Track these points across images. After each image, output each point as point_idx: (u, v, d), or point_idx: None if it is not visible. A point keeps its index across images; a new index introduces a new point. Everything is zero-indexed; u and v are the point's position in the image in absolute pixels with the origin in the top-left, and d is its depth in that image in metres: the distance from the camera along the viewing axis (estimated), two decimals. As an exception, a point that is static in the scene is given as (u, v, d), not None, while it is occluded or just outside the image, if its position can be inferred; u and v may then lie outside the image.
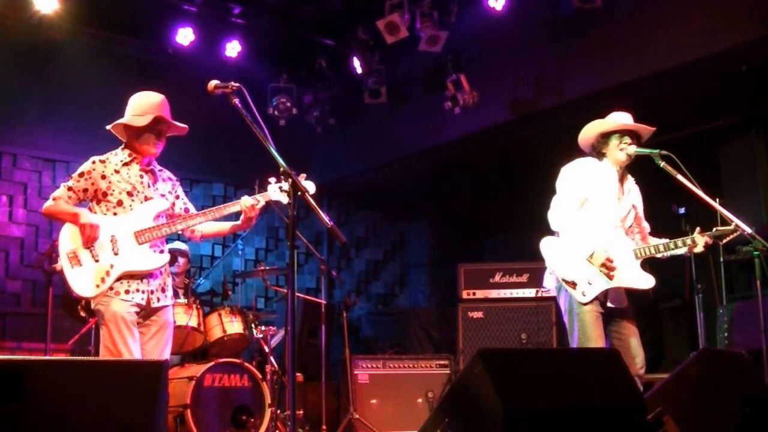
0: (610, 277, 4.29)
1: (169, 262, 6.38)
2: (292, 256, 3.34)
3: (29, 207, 7.61)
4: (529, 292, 7.26)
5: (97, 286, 3.98)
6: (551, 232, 4.52)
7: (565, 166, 4.54)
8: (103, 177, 4.13)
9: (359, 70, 7.70)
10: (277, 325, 6.56)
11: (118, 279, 4.03)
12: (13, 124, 7.43)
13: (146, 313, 4.15)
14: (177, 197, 4.40)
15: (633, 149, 4.44)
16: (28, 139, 7.59)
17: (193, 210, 4.42)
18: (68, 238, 4.04)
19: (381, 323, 9.22)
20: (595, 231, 4.39)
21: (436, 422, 3.02)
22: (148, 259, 4.14)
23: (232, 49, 7.53)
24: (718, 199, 4.34)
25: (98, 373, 2.91)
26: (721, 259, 6.38)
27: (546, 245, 4.48)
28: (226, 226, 4.48)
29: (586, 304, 4.29)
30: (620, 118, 4.49)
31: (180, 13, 7.19)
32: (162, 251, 4.23)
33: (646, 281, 4.39)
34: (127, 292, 4.05)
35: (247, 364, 5.76)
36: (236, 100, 3.64)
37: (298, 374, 5.67)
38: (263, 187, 4.29)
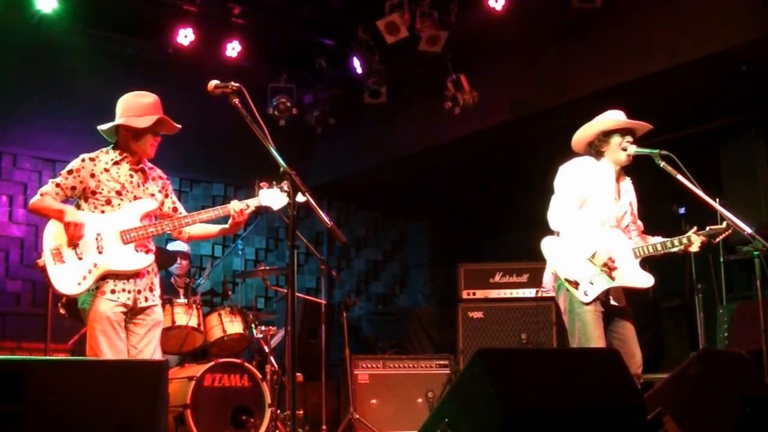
0: (612, 277, 4.30)
1: (169, 263, 6.46)
2: (292, 256, 3.34)
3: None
4: (529, 292, 7.26)
5: (79, 284, 3.95)
6: (551, 232, 4.51)
7: (563, 166, 4.53)
8: (92, 175, 4.11)
9: (359, 70, 7.70)
10: (277, 325, 6.56)
11: (102, 278, 4.00)
12: (13, 124, 7.43)
13: (134, 312, 4.12)
14: (166, 196, 4.37)
15: (633, 149, 4.44)
16: (28, 139, 7.58)
17: (181, 209, 4.40)
18: (52, 235, 4.01)
19: (381, 323, 9.22)
20: (596, 230, 4.39)
21: (436, 422, 3.02)
22: (132, 259, 4.09)
23: (232, 49, 7.53)
24: (718, 199, 4.34)
25: (98, 373, 2.91)
26: (721, 259, 6.39)
27: (547, 245, 4.48)
28: (214, 228, 4.44)
29: (587, 303, 4.29)
30: (619, 116, 4.49)
31: (180, 13, 7.19)
32: (148, 251, 4.18)
33: (646, 280, 4.40)
34: (113, 291, 4.02)
35: (247, 364, 5.76)
36: (236, 100, 3.64)
37: (298, 374, 5.68)
38: (258, 190, 4.26)
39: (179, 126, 4.31)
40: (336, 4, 7.46)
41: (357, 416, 6.65)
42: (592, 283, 4.30)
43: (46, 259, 3.96)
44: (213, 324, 6.02)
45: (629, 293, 4.47)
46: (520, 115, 7.39)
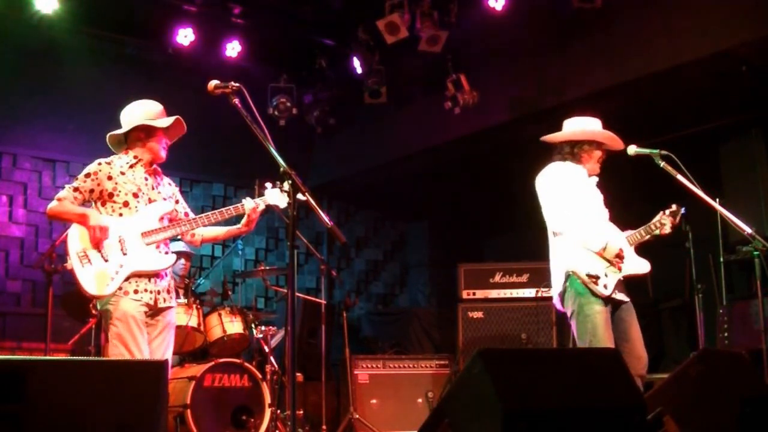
0: (619, 268, 4.33)
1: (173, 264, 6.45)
2: (292, 256, 3.34)
3: (29, 207, 7.61)
4: (529, 292, 7.26)
5: (107, 285, 4.03)
6: (558, 231, 4.50)
7: (543, 174, 4.53)
8: (110, 178, 4.18)
9: (359, 70, 7.70)
10: (277, 325, 6.56)
11: (127, 278, 4.08)
12: (13, 124, 7.42)
13: (153, 313, 4.19)
14: (177, 201, 4.45)
15: (633, 149, 4.45)
16: (28, 139, 7.58)
17: (192, 215, 4.45)
18: (77, 238, 4.07)
19: (381, 323, 9.21)
20: (597, 224, 4.41)
21: (436, 422, 3.02)
22: (155, 259, 4.19)
23: (232, 49, 7.53)
24: (718, 199, 4.34)
25: (98, 373, 2.91)
26: (721, 259, 6.38)
27: (557, 246, 4.46)
28: (223, 230, 4.52)
29: (604, 297, 4.29)
30: (598, 126, 4.54)
31: (180, 13, 7.19)
32: (167, 252, 4.29)
33: (644, 266, 4.53)
34: (136, 291, 4.10)
35: (247, 364, 5.77)
36: (236, 100, 3.65)
37: (298, 374, 5.69)
38: (262, 190, 4.32)
39: (185, 130, 4.40)
40: (336, 4, 7.46)
41: (357, 416, 6.65)
42: (607, 276, 4.32)
43: (73, 262, 4.03)
44: (213, 324, 6.02)
45: (630, 290, 4.50)
46: (520, 115, 7.38)
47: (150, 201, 4.25)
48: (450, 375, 7.01)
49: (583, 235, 4.37)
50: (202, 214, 4.34)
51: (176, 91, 7.47)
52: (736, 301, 6.59)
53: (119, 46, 7.54)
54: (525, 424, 2.81)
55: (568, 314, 4.42)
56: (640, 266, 4.52)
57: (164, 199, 4.33)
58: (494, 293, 7.38)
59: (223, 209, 4.30)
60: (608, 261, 4.34)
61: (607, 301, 4.32)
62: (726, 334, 6.44)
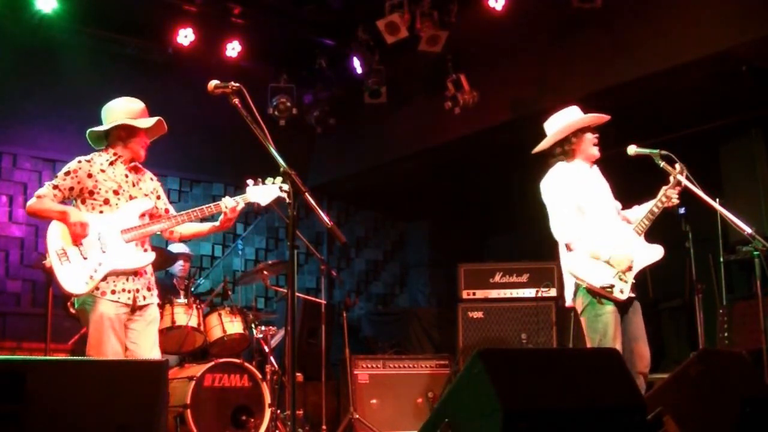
0: (631, 269, 4.31)
1: (168, 264, 6.45)
2: (292, 256, 3.35)
3: (29, 207, 7.61)
4: (529, 292, 7.25)
5: (86, 283, 4.03)
6: (550, 233, 4.50)
7: (546, 180, 4.52)
8: (90, 176, 4.19)
9: (359, 70, 7.70)
10: (277, 325, 6.56)
11: (105, 277, 4.07)
12: (13, 124, 7.42)
13: (132, 311, 4.18)
14: (158, 197, 4.46)
15: (633, 149, 4.45)
16: (28, 139, 7.58)
17: (173, 211, 4.46)
18: (57, 236, 4.06)
19: (381, 323, 9.21)
20: (603, 233, 4.38)
21: (436, 422, 3.02)
22: (134, 257, 4.19)
23: (232, 49, 7.53)
24: (718, 199, 4.34)
25: (98, 373, 2.91)
26: (721, 259, 6.38)
27: (569, 262, 4.42)
28: (205, 227, 4.55)
29: (624, 301, 4.28)
30: (581, 113, 4.52)
31: (180, 13, 7.19)
32: (146, 250, 4.28)
33: (656, 252, 4.42)
34: (113, 292, 4.09)
35: (247, 364, 5.76)
36: (236, 100, 3.65)
37: (298, 374, 5.68)
38: (245, 187, 4.35)
39: (166, 130, 4.42)
40: (336, 4, 7.47)
41: (357, 416, 6.64)
42: (621, 280, 4.30)
43: (52, 260, 4.02)
44: (213, 324, 6.02)
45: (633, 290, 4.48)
46: (520, 115, 7.38)
47: (131, 198, 4.26)
48: (450, 375, 7.01)
49: (589, 248, 4.35)
50: (182, 212, 4.35)
51: (176, 91, 7.50)
52: (736, 301, 6.58)
53: (119, 46, 7.54)
54: (525, 424, 2.81)
55: (579, 311, 4.40)
56: (652, 254, 4.41)
57: (145, 195, 4.34)
58: (494, 293, 7.38)
59: (203, 206, 4.32)
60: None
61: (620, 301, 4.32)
62: (726, 334, 6.43)
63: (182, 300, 5.89)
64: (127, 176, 4.29)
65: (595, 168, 4.62)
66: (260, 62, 7.94)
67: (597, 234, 4.37)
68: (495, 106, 7.47)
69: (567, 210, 4.40)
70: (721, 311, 6.52)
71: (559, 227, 4.42)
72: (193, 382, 5.43)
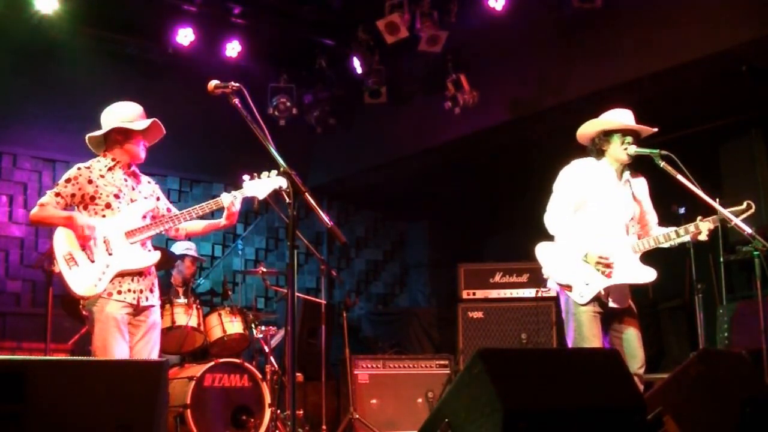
0: (608, 275, 4.29)
1: (169, 264, 6.45)
2: (292, 256, 3.35)
3: (29, 207, 7.59)
4: (529, 292, 7.26)
5: (95, 285, 4.09)
6: (551, 234, 4.51)
7: (564, 169, 4.53)
8: (90, 181, 4.23)
9: (359, 70, 7.70)
10: (277, 325, 6.56)
11: (112, 279, 4.13)
12: (13, 124, 7.43)
13: (135, 312, 4.23)
14: (158, 199, 4.51)
15: (633, 149, 4.43)
16: (28, 139, 7.59)
17: (174, 210, 4.52)
18: (63, 241, 4.14)
19: (381, 323, 9.21)
20: (590, 232, 4.37)
21: (436, 422, 3.02)
22: (140, 257, 4.26)
23: (232, 49, 7.53)
24: (718, 199, 4.33)
25: (98, 373, 2.91)
26: (721, 259, 6.37)
27: (541, 251, 4.50)
28: (212, 223, 4.62)
29: (584, 305, 4.29)
30: (622, 117, 4.48)
31: (180, 13, 7.19)
32: (149, 250, 4.34)
33: (646, 275, 4.34)
34: (119, 292, 4.15)
35: (247, 364, 5.77)
36: (236, 100, 3.65)
37: (298, 374, 5.68)
38: (242, 183, 4.39)
39: (164, 132, 4.45)
40: (336, 4, 7.47)
41: (357, 416, 6.64)
42: (587, 284, 4.30)
43: (60, 264, 4.09)
44: (213, 324, 6.02)
45: (631, 292, 4.47)
46: (520, 115, 7.38)
47: (131, 201, 4.31)
48: (450, 375, 7.01)
49: (565, 243, 4.40)
50: (183, 210, 4.41)
51: (176, 91, 7.50)
52: (736, 301, 6.58)
53: (119, 46, 7.54)
54: (525, 424, 2.81)
55: (562, 310, 4.45)
56: (642, 275, 4.34)
57: (145, 197, 4.39)
58: (494, 293, 7.38)
59: (204, 204, 4.40)
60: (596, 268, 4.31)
61: (596, 303, 4.31)
62: (726, 334, 6.43)
63: (182, 300, 5.89)
64: (126, 180, 4.34)
65: (640, 181, 4.56)
66: (260, 62, 7.94)
67: (585, 235, 4.36)
68: (495, 106, 7.47)
69: (561, 203, 4.43)
70: (721, 311, 6.52)
71: (548, 217, 4.48)
72: (193, 382, 5.43)
